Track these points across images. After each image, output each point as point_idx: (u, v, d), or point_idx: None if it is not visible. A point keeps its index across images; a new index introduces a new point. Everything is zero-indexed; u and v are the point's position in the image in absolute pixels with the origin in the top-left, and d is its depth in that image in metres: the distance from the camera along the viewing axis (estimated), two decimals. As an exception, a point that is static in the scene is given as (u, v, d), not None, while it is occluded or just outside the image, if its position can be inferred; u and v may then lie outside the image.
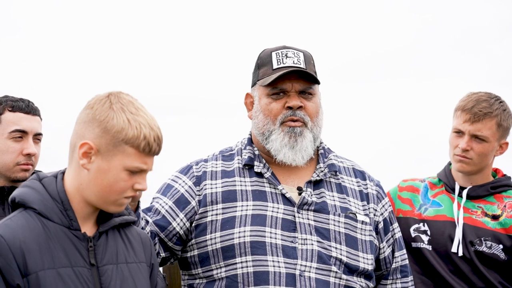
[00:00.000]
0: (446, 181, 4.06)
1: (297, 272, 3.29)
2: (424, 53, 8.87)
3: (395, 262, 3.59)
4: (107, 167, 2.74)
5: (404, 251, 3.65)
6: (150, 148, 2.76)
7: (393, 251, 3.59)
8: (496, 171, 4.10)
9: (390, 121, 8.82)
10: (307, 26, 8.77)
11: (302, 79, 3.41)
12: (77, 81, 8.43)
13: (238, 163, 3.48)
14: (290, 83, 3.40)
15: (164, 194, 3.48)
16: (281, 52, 3.45)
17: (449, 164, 4.09)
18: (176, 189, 3.46)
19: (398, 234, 3.64)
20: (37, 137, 3.65)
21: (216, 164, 3.49)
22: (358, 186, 3.56)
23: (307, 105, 3.42)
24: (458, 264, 3.91)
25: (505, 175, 4.09)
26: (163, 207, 3.44)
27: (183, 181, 3.47)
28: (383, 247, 3.55)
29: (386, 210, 3.60)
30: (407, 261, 3.65)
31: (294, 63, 3.41)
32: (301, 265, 3.30)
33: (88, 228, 2.81)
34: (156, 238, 3.39)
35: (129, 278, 2.83)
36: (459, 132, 3.94)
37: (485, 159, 3.95)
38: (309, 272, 3.30)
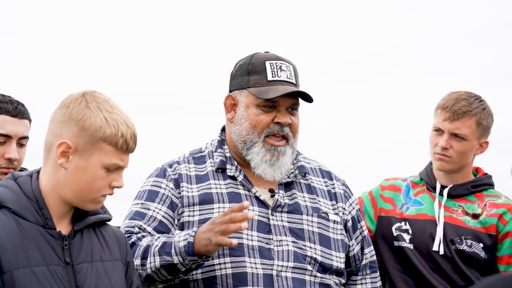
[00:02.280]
0: (427, 180, 4.08)
1: (274, 273, 3.32)
2: (419, 53, 8.89)
3: (365, 259, 3.63)
4: (85, 166, 2.77)
5: (372, 247, 3.69)
6: (127, 145, 2.80)
7: (362, 248, 3.63)
8: (477, 170, 4.12)
9: (384, 121, 8.84)
10: (299, 27, 8.79)
11: (295, 97, 3.44)
12: (74, 80, 8.46)
13: (211, 166, 3.49)
14: (283, 99, 3.41)
15: (151, 200, 3.44)
16: (275, 63, 3.45)
17: (431, 163, 4.11)
18: (164, 194, 3.44)
19: (366, 231, 3.68)
20: (21, 141, 3.62)
21: (189, 168, 3.50)
22: (326, 186, 3.60)
23: (293, 121, 3.45)
24: (439, 262, 3.93)
25: (486, 174, 4.11)
26: (158, 213, 3.41)
27: (166, 185, 3.46)
28: (353, 245, 3.59)
29: (353, 208, 3.64)
30: (375, 257, 3.70)
31: (287, 77, 3.44)
32: (277, 265, 3.33)
33: (63, 227, 2.82)
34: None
35: (104, 276, 2.84)
36: (438, 131, 3.96)
37: (465, 158, 3.97)
38: (286, 272, 3.33)
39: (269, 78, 3.43)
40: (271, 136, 3.42)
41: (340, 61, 8.81)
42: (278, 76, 3.43)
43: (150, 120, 8.44)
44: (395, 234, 4.01)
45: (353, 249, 3.58)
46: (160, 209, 3.42)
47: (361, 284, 3.62)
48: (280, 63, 3.45)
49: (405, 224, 4.01)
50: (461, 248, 3.91)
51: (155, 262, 3.20)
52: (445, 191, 4.00)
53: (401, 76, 8.94)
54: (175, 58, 8.86)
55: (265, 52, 3.53)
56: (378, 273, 3.68)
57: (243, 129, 3.44)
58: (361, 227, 3.65)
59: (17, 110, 3.60)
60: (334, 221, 3.50)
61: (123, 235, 3.03)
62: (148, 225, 3.38)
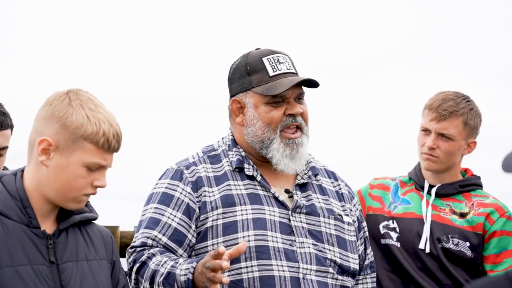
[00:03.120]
0: (416, 180, 4.09)
1: (301, 276, 3.31)
2: (417, 51, 8.89)
3: (367, 259, 3.64)
4: (66, 163, 2.75)
5: (370, 247, 3.71)
6: (109, 144, 2.77)
7: (365, 249, 3.64)
8: (466, 171, 4.13)
9: (381, 120, 8.84)
10: (296, 25, 8.78)
11: (299, 85, 3.43)
12: (71, 79, 8.46)
13: (228, 165, 3.46)
14: (290, 91, 3.40)
15: (166, 205, 3.38)
16: (272, 58, 3.44)
17: (419, 163, 4.12)
18: (179, 199, 3.38)
19: (367, 232, 3.70)
20: (0, 151, 3.60)
21: (207, 168, 3.44)
22: (334, 186, 3.61)
23: (303, 109, 3.45)
24: (425, 261, 3.94)
25: (474, 175, 4.12)
26: (173, 220, 3.36)
27: (182, 189, 3.39)
28: (358, 245, 3.59)
29: (357, 209, 3.65)
30: (373, 257, 3.71)
31: (287, 69, 3.44)
32: (303, 268, 3.33)
33: (48, 226, 2.81)
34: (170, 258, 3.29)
35: (90, 275, 2.84)
36: (426, 131, 3.97)
37: (452, 158, 3.98)
38: (310, 275, 3.33)
39: (271, 73, 3.41)
40: (286, 129, 3.41)
41: (337, 59, 8.81)
42: (278, 69, 3.42)
43: (150, 119, 8.44)
44: (382, 232, 4.02)
45: (358, 250, 3.59)
46: (175, 216, 3.35)
47: (362, 284, 3.62)
48: (277, 56, 3.45)
49: (393, 223, 4.02)
50: (447, 247, 3.92)
51: None
52: (433, 190, 4.02)
53: (399, 75, 8.94)
54: (172, 57, 8.86)
55: (256, 49, 3.52)
56: (375, 273, 3.70)
57: (257, 129, 3.42)
58: (364, 227, 3.66)
59: None
60: (348, 223, 3.52)
61: (109, 234, 3.02)
62: (163, 235, 3.32)
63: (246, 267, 3.31)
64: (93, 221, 2.99)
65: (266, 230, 3.33)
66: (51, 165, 2.76)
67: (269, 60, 3.43)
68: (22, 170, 2.85)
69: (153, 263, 3.23)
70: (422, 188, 4.05)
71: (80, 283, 2.80)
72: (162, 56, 8.88)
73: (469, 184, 4.05)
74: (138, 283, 3.27)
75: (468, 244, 3.92)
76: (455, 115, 3.92)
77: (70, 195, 2.78)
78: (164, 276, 3.18)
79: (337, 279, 3.39)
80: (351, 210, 3.59)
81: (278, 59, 3.44)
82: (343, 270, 3.43)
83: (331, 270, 3.37)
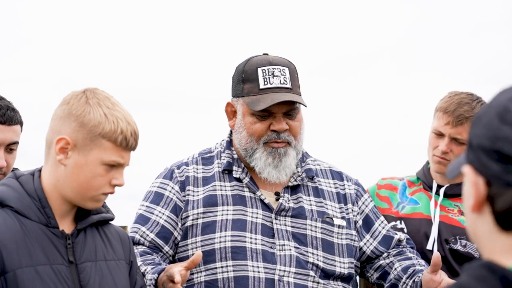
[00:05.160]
0: (424, 180, 4.09)
1: (276, 277, 3.32)
2: (413, 50, 8.91)
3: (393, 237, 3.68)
4: (84, 162, 2.74)
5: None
6: (127, 142, 2.77)
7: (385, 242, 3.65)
8: (474, 171, 4.12)
9: (376, 119, 8.86)
10: (292, 23, 8.78)
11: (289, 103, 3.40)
12: (69, 80, 8.44)
13: (218, 167, 3.48)
14: (277, 106, 3.37)
15: (156, 203, 3.47)
16: (267, 69, 3.40)
17: (428, 162, 4.12)
18: (168, 197, 3.46)
19: (388, 225, 3.69)
20: (10, 146, 3.58)
21: (197, 169, 3.49)
22: (336, 188, 3.58)
23: (291, 125, 3.41)
24: (433, 261, 3.94)
25: (482, 175, 4.11)
26: (161, 217, 3.44)
27: (171, 187, 3.47)
28: (367, 242, 3.57)
29: (366, 206, 3.64)
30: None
31: (280, 83, 3.39)
32: (279, 270, 3.33)
33: (66, 226, 2.81)
34: (158, 254, 3.39)
35: (108, 276, 2.83)
36: (439, 134, 3.96)
37: None
38: (288, 277, 3.33)
39: (261, 86, 3.38)
40: (271, 142, 3.40)
41: (332, 58, 8.82)
42: (270, 83, 3.38)
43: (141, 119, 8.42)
44: (390, 233, 4.02)
45: (368, 246, 3.58)
46: (163, 213, 3.43)
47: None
48: (273, 69, 3.40)
49: (400, 223, 4.01)
50: (455, 248, 3.92)
51: None
52: (442, 191, 4.01)
53: (394, 74, 8.96)
54: (159, 56, 8.85)
55: (263, 54, 3.50)
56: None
57: (242, 138, 3.43)
58: (382, 222, 3.66)
59: (5, 117, 3.52)
60: (339, 226, 3.49)
61: (126, 235, 3.02)
62: (151, 231, 3.40)
63: (221, 267, 3.33)
64: (109, 222, 2.99)
65: (245, 232, 3.35)
66: (69, 164, 2.75)
67: (264, 71, 3.40)
68: (40, 170, 2.84)
69: None
70: (431, 188, 4.05)
71: (99, 283, 2.80)
72: (150, 55, 8.88)
73: None
74: None
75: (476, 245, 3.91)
76: (471, 120, 3.91)
77: (88, 194, 2.77)
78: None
79: (318, 282, 3.38)
80: (353, 211, 3.57)
81: (273, 71, 3.40)
82: (326, 274, 3.41)
83: (311, 273, 3.36)
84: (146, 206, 3.48)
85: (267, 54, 3.50)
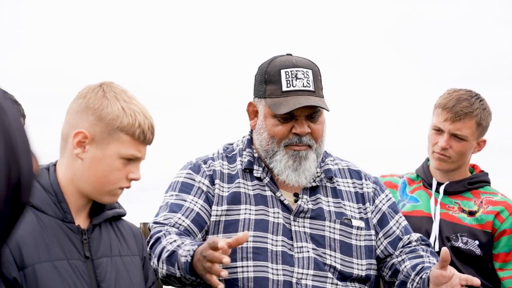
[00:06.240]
0: (423, 177, 4.09)
1: (294, 280, 3.29)
2: (412, 51, 8.94)
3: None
4: (102, 156, 2.72)
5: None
6: (144, 135, 2.76)
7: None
8: (473, 167, 4.14)
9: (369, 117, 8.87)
10: (286, 21, 8.78)
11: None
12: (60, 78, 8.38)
13: (240, 165, 3.44)
14: (298, 110, 3.32)
15: (186, 193, 3.36)
16: (291, 72, 3.35)
17: (427, 160, 4.13)
18: (199, 188, 3.37)
19: (404, 222, 3.57)
20: None
21: (223, 165, 3.43)
22: (354, 187, 3.54)
23: (313, 128, 3.37)
24: (435, 259, 3.94)
25: (482, 171, 4.13)
26: (195, 205, 3.34)
27: (200, 180, 3.39)
28: (378, 241, 3.52)
29: (384, 204, 3.57)
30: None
31: (303, 86, 3.34)
32: (297, 272, 3.30)
33: (81, 221, 2.79)
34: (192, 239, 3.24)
35: (124, 271, 2.82)
36: (438, 130, 3.97)
37: (464, 157, 3.99)
38: (306, 279, 3.30)
39: (284, 88, 3.33)
40: (291, 145, 3.36)
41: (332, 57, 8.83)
42: (293, 85, 3.34)
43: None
44: (390, 231, 4.01)
45: (379, 245, 3.52)
46: (196, 202, 3.33)
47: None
48: (296, 71, 3.36)
49: None
50: (456, 245, 3.93)
51: (162, 269, 3.15)
52: (441, 188, 4.02)
53: (394, 73, 8.98)
54: (142, 55, 8.82)
55: (287, 54, 3.45)
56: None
57: (263, 139, 3.38)
58: (397, 220, 3.55)
59: None
60: (358, 227, 3.45)
61: (138, 230, 3.01)
62: (186, 217, 3.30)
63: (242, 266, 3.29)
64: (122, 217, 2.97)
65: (267, 233, 3.32)
66: (87, 158, 2.73)
67: (287, 73, 3.35)
68: (55, 164, 2.81)
69: (166, 239, 3.19)
70: (430, 185, 4.05)
71: (115, 279, 2.78)
72: (134, 54, 8.84)
73: (478, 181, 4.06)
74: (151, 259, 3.20)
75: (477, 242, 3.93)
76: (470, 116, 3.92)
77: (106, 188, 2.75)
78: (168, 254, 3.13)
79: (336, 284, 3.35)
80: (371, 210, 3.52)
81: (297, 74, 3.36)
82: (343, 276, 3.38)
83: (329, 275, 3.34)
84: (176, 195, 3.37)
85: (291, 55, 3.45)
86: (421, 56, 8.94)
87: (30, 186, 1.49)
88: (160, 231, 3.23)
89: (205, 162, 3.43)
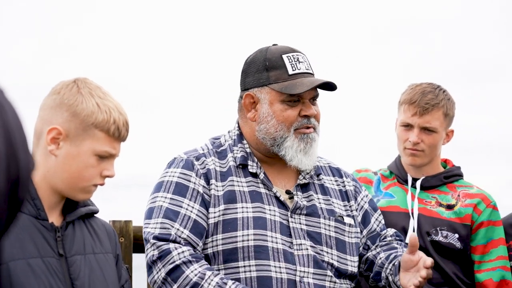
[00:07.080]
0: (397, 173, 4.08)
1: (297, 278, 3.26)
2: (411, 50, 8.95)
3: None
4: (76, 152, 2.69)
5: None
6: (119, 132, 2.73)
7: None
8: (446, 162, 4.14)
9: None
10: (278, 18, 8.78)
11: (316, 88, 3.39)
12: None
13: (232, 161, 3.39)
14: (307, 91, 3.35)
15: (182, 195, 3.29)
16: (292, 56, 3.38)
17: (399, 156, 4.12)
18: (195, 190, 3.29)
19: (381, 218, 3.67)
20: None
21: (215, 162, 3.37)
22: (337, 185, 3.56)
23: (317, 111, 3.40)
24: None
25: (454, 165, 4.14)
26: (191, 211, 3.27)
27: (195, 179, 3.31)
28: (362, 238, 3.56)
29: (365, 202, 3.61)
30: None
31: (306, 69, 3.38)
32: (300, 271, 3.27)
33: (54, 218, 2.75)
34: (191, 250, 3.21)
35: (97, 269, 2.79)
36: (407, 126, 3.97)
37: (435, 150, 3.99)
38: (307, 277, 3.28)
39: (290, 72, 3.35)
40: (301, 128, 3.36)
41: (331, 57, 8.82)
42: (298, 69, 3.37)
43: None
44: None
45: (363, 242, 3.57)
46: (193, 207, 3.27)
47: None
48: (297, 55, 3.39)
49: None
50: (436, 239, 3.91)
51: None
52: (418, 183, 4.01)
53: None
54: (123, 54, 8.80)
55: (274, 45, 3.46)
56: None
57: (270, 126, 3.35)
58: (376, 218, 3.64)
59: None
60: (350, 225, 3.47)
61: (111, 228, 2.98)
62: (184, 227, 3.22)
63: (244, 266, 3.25)
64: (95, 215, 2.94)
65: (266, 230, 3.28)
66: (60, 154, 2.70)
67: (289, 58, 3.38)
68: None
69: (193, 273, 3.14)
70: (405, 181, 4.04)
71: (89, 276, 2.75)
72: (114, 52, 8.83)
73: (453, 175, 4.06)
74: (165, 283, 3.16)
75: (457, 235, 3.92)
76: (437, 108, 3.94)
77: (79, 185, 2.72)
78: None
79: (335, 282, 3.35)
80: (356, 208, 3.55)
81: (298, 58, 3.39)
82: (340, 273, 3.38)
83: (328, 273, 3.33)
84: (170, 198, 3.29)
85: (277, 45, 3.46)
86: (421, 56, 8.97)
87: (28, 183, 1.47)
88: (170, 252, 3.17)
89: (197, 159, 3.37)
